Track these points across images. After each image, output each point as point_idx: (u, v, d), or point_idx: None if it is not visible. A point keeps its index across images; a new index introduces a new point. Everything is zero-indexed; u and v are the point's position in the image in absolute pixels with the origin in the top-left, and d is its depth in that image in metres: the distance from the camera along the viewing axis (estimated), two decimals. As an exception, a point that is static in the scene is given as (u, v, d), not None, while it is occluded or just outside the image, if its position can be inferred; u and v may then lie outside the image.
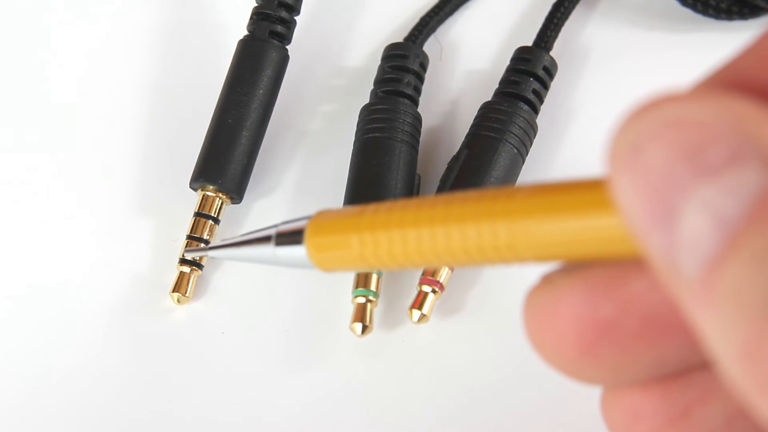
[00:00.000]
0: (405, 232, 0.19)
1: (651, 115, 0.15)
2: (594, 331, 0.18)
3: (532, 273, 0.31)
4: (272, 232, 0.23)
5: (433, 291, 0.31)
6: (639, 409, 0.19)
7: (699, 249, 0.14)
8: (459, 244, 0.18)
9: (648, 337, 0.17)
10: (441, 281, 0.31)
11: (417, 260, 0.20)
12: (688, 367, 0.18)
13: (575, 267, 0.18)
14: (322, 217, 0.22)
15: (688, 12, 0.36)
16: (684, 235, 0.15)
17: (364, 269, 0.21)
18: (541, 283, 0.19)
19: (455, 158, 0.32)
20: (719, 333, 0.14)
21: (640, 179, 0.15)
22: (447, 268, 0.31)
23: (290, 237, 0.23)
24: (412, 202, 0.20)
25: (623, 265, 0.17)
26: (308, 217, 0.22)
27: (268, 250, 0.23)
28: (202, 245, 0.32)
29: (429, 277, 0.31)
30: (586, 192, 0.17)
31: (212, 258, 0.26)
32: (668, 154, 0.15)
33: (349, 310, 0.31)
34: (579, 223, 0.17)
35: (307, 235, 0.22)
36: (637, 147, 0.15)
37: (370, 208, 0.21)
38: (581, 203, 0.17)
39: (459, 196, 0.19)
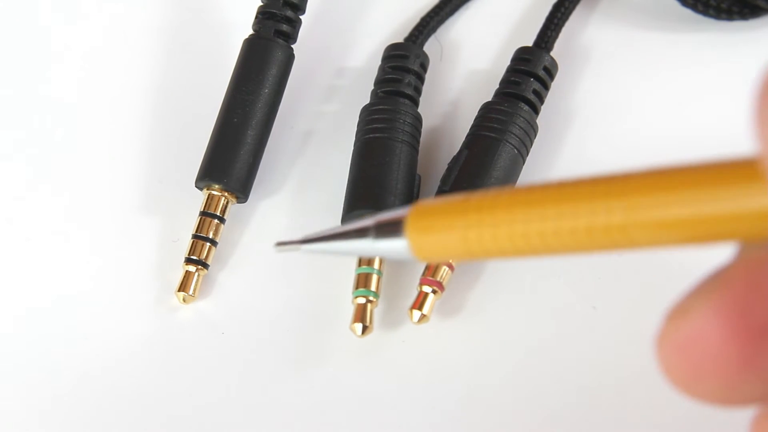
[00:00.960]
0: (512, 217, 0.19)
1: None
2: (748, 340, 0.17)
3: (531, 273, 0.32)
4: (371, 222, 0.24)
5: (434, 291, 0.31)
6: None
7: None
8: (569, 225, 0.18)
9: None
10: (441, 281, 0.31)
11: (522, 246, 0.20)
12: None
13: (704, 288, 0.18)
14: (424, 207, 0.22)
15: (688, 12, 0.36)
16: None
17: (467, 259, 0.21)
18: (671, 320, 0.18)
19: (455, 158, 0.32)
20: None
21: None
22: (446, 268, 0.31)
23: (390, 228, 0.23)
24: (518, 188, 0.20)
25: (758, 265, 0.17)
26: (408, 208, 0.23)
27: (367, 242, 0.24)
28: (295, 240, 0.30)
29: (429, 277, 0.31)
30: (699, 172, 0.17)
31: (305, 252, 0.26)
32: None
33: (350, 311, 0.31)
34: (700, 201, 0.17)
35: (408, 225, 0.22)
36: None
37: (475, 196, 0.21)
38: (698, 181, 0.17)
39: (572, 179, 0.19)
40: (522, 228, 0.19)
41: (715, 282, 0.18)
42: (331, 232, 0.25)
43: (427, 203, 0.22)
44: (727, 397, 0.18)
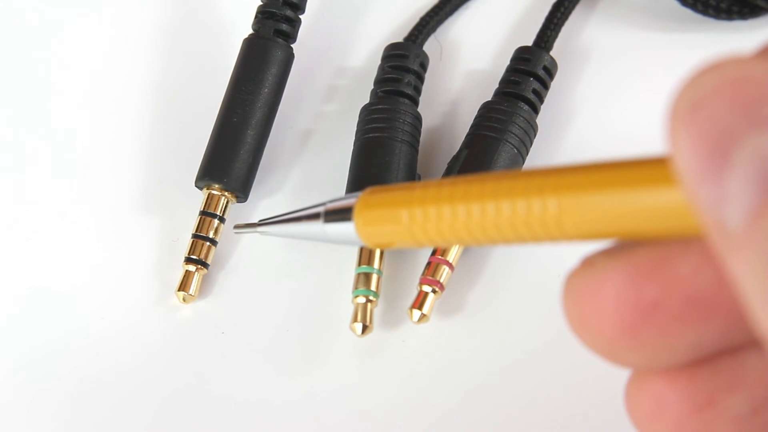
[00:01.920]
0: (454, 207, 0.20)
1: (713, 73, 0.16)
2: (637, 312, 0.18)
3: (531, 273, 0.32)
4: (321, 209, 0.24)
5: (434, 291, 0.31)
6: (664, 397, 0.19)
7: (745, 198, 0.15)
8: (507, 218, 0.19)
9: (690, 318, 0.18)
10: (441, 281, 0.31)
11: (464, 236, 0.20)
12: (720, 351, 0.19)
13: (618, 249, 0.18)
14: (372, 194, 0.23)
15: (688, 12, 0.36)
16: (732, 186, 0.15)
17: (411, 245, 0.21)
18: (582, 266, 0.19)
19: (455, 158, 0.32)
20: (753, 278, 0.15)
21: (696, 130, 0.15)
22: (447, 268, 0.31)
23: (339, 213, 0.23)
24: (463, 178, 0.20)
25: (668, 247, 0.18)
26: (358, 194, 0.23)
27: (317, 226, 0.24)
28: (252, 222, 0.31)
29: (429, 276, 0.31)
30: (638, 168, 0.17)
31: (262, 234, 0.27)
32: (726, 107, 0.15)
33: (349, 310, 0.31)
34: (627, 197, 0.17)
35: (356, 211, 0.23)
36: (697, 102, 0.16)
37: (420, 185, 0.21)
38: (631, 178, 0.17)
39: (510, 172, 0.19)
40: (463, 220, 0.20)
41: (628, 249, 0.18)
42: (286, 216, 0.26)
43: (374, 192, 0.23)
44: (610, 355, 0.19)
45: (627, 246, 0.18)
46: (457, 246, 0.31)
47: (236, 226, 0.31)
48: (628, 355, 0.19)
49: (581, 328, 0.19)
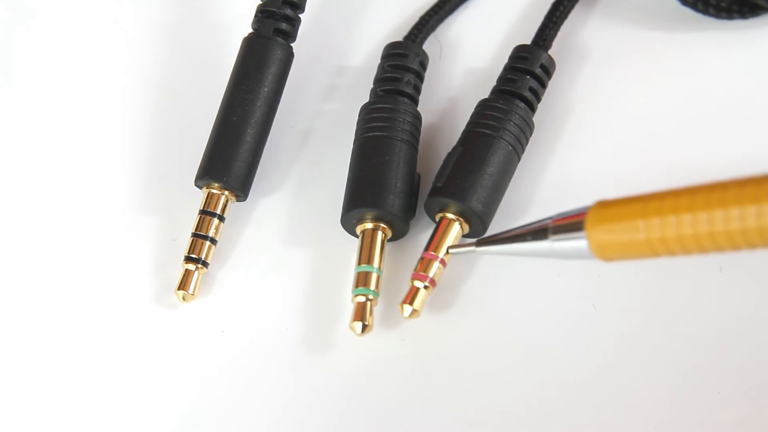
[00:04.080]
0: (696, 215, 0.20)
1: None
2: None
3: (531, 272, 0.32)
4: (548, 224, 0.24)
5: (425, 287, 0.31)
6: None
7: None
8: (755, 226, 0.19)
9: None
10: (433, 277, 0.31)
11: (707, 244, 0.20)
12: None
13: None
14: (603, 207, 0.23)
15: (688, 11, 0.36)
16: None
17: (648, 256, 0.21)
18: None
19: (450, 154, 0.32)
20: None
21: None
22: (439, 264, 0.31)
23: (568, 229, 0.23)
24: (698, 186, 0.20)
25: None
26: (585, 208, 0.23)
27: (545, 244, 0.24)
28: (468, 241, 0.31)
29: (421, 272, 0.31)
30: None
31: (479, 254, 0.27)
32: None
33: (349, 309, 0.31)
34: None
35: (588, 224, 0.23)
36: None
37: (652, 195, 0.21)
38: None
39: (752, 177, 0.19)
40: (706, 229, 0.20)
41: None
42: (507, 234, 0.26)
43: (605, 202, 0.22)
44: None
45: None
46: (452, 242, 0.31)
47: (451, 248, 0.30)
48: None
49: None
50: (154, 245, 0.34)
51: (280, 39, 0.35)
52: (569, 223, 0.23)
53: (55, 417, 0.31)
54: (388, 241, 0.32)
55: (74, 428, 0.31)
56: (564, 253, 0.24)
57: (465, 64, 0.37)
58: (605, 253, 0.23)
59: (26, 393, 0.31)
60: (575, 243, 0.23)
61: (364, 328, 0.31)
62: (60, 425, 0.31)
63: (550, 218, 0.24)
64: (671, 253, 0.21)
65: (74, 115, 0.37)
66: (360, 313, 0.31)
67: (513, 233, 0.25)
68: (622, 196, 0.22)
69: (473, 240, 0.29)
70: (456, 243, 0.31)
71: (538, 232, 0.24)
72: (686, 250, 0.21)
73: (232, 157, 0.33)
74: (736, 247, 0.20)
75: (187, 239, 0.33)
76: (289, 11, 0.35)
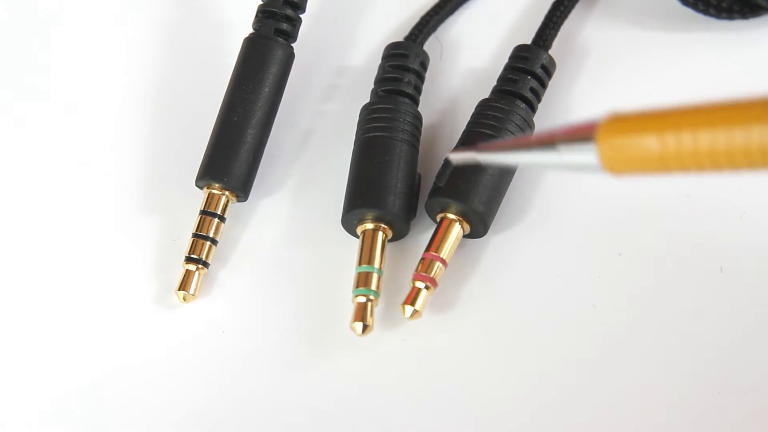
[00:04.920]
0: (714, 131, 0.19)
1: None
2: None
3: (531, 272, 0.32)
4: (557, 132, 0.22)
5: (426, 287, 0.31)
6: None
7: None
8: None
9: None
10: (434, 277, 0.31)
11: (723, 161, 0.19)
12: None
13: None
14: (617, 120, 0.21)
15: (688, 11, 0.36)
16: None
17: (660, 172, 0.20)
18: None
19: (450, 155, 0.32)
20: None
21: None
22: (440, 264, 0.31)
23: (579, 140, 0.22)
24: (718, 104, 0.19)
25: None
26: (596, 119, 0.21)
27: (552, 154, 0.22)
28: (470, 147, 0.29)
29: (422, 273, 0.31)
30: None
31: (481, 161, 0.25)
32: None
33: (350, 309, 0.31)
34: None
35: (600, 137, 0.21)
36: None
37: (670, 110, 0.20)
38: None
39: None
40: (724, 144, 0.19)
41: None
42: (513, 141, 0.24)
43: (619, 115, 0.21)
44: None
45: None
46: (453, 242, 0.31)
47: (452, 152, 0.29)
48: None
49: None
50: (155, 245, 0.34)
51: (280, 39, 0.35)
52: (580, 133, 0.21)
53: (55, 417, 0.31)
54: (389, 241, 0.32)
55: (74, 428, 0.31)
56: (572, 165, 0.22)
57: (465, 64, 0.37)
58: (616, 165, 0.21)
59: (26, 393, 0.31)
60: (584, 155, 0.21)
61: (365, 328, 0.31)
62: (60, 425, 0.31)
63: (560, 127, 0.22)
64: (684, 168, 0.20)
65: (74, 115, 0.37)
66: (361, 314, 0.31)
67: (519, 141, 0.24)
68: (636, 110, 0.21)
69: (475, 147, 0.27)
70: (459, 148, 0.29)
71: (545, 140, 0.22)
72: (701, 166, 0.20)
73: (232, 157, 0.33)
74: (753, 164, 0.19)
75: (188, 239, 0.33)
76: (289, 11, 0.35)
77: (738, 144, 0.19)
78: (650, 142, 0.20)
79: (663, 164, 0.20)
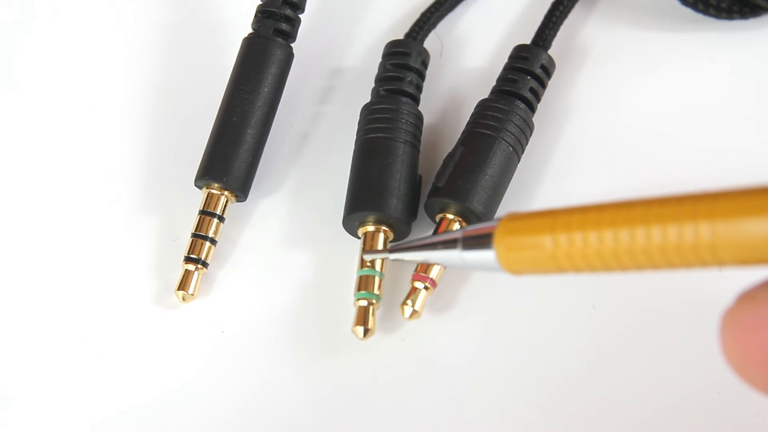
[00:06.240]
0: (602, 233, 0.20)
1: None
2: None
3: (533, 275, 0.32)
4: (459, 235, 0.24)
5: (425, 288, 0.31)
6: None
7: None
8: (658, 245, 0.19)
9: None
10: (433, 278, 0.31)
11: (611, 262, 0.20)
12: None
13: None
14: (512, 220, 0.22)
15: (688, 11, 0.36)
16: None
17: (554, 272, 0.21)
18: (740, 301, 0.19)
19: (451, 155, 0.32)
20: None
21: None
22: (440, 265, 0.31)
23: (478, 240, 0.23)
24: (609, 204, 0.20)
25: None
26: (496, 220, 0.23)
27: (455, 253, 0.24)
28: (381, 248, 0.32)
29: (421, 273, 0.31)
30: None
31: (393, 260, 0.27)
32: None
33: (350, 309, 0.31)
34: None
35: (496, 237, 0.23)
36: None
37: (562, 210, 0.21)
38: None
39: (657, 198, 0.19)
40: (611, 246, 0.20)
41: None
42: (420, 242, 0.26)
43: (514, 217, 0.22)
44: None
45: None
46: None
47: (365, 252, 0.31)
48: None
49: (744, 365, 0.18)
50: (154, 245, 0.34)
51: (280, 39, 0.35)
52: (479, 235, 0.23)
53: (55, 417, 0.31)
54: (390, 242, 0.32)
55: (74, 428, 0.31)
56: (473, 265, 0.24)
57: (465, 64, 0.37)
58: (513, 266, 0.23)
59: (26, 393, 0.31)
60: (484, 255, 0.23)
61: (366, 332, 0.31)
62: (60, 425, 0.31)
63: (463, 229, 0.24)
64: (577, 269, 0.21)
65: (74, 115, 0.37)
66: (362, 318, 0.31)
67: (426, 241, 0.25)
68: (534, 210, 0.22)
69: (388, 247, 0.30)
70: (371, 249, 0.31)
71: (449, 241, 0.24)
72: (591, 267, 0.21)
73: (231, 157, 0.33)
74: (639, 266, 0.20)
75: (187, 239, 0.33)
76: (289, 11, 0.35)
77: (623, 243, 0.19)
78: (543, 242, 0.21)
79: (557, 265, 0.21)
